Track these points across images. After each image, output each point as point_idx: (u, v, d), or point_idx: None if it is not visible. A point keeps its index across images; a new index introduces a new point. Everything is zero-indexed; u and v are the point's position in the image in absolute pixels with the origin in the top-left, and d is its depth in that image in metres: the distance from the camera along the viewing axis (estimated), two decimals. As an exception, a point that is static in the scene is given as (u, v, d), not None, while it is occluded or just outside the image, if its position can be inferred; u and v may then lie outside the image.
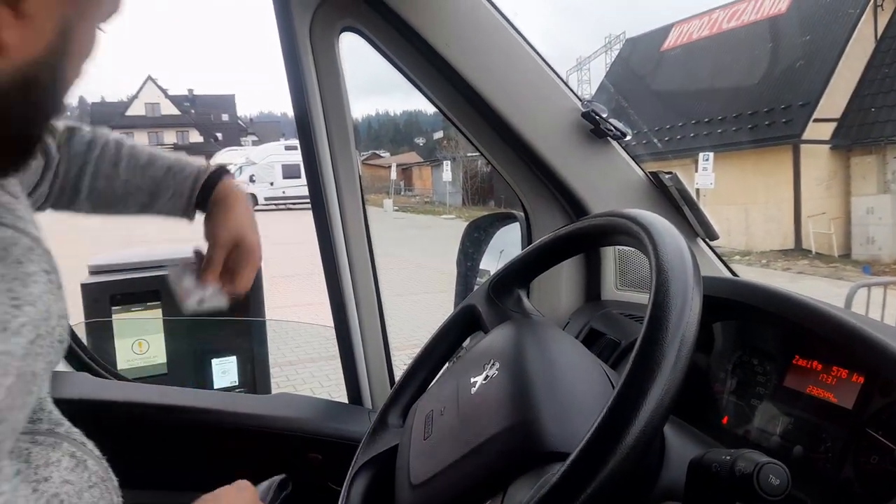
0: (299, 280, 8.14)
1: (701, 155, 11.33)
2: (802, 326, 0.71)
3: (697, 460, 0.55)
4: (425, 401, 0.75)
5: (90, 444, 0.64)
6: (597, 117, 1.09)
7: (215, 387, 2.42)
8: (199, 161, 0.93)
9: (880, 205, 12.18)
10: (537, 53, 1.10)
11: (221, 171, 0.91)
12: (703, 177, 11.10)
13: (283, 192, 24.47)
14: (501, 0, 1.08)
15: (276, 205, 24.56)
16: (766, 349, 0.79)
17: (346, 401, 1.30)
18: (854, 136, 12.65)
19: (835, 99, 12.83)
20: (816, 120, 12.68)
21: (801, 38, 13.70)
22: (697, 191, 10.74)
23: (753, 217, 12.91)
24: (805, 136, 12.66)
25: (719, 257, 1.16)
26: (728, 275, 1.12)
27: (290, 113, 1.22)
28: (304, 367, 5.18)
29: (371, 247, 1.25)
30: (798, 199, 12.74)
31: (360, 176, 1.23)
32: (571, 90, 1.13)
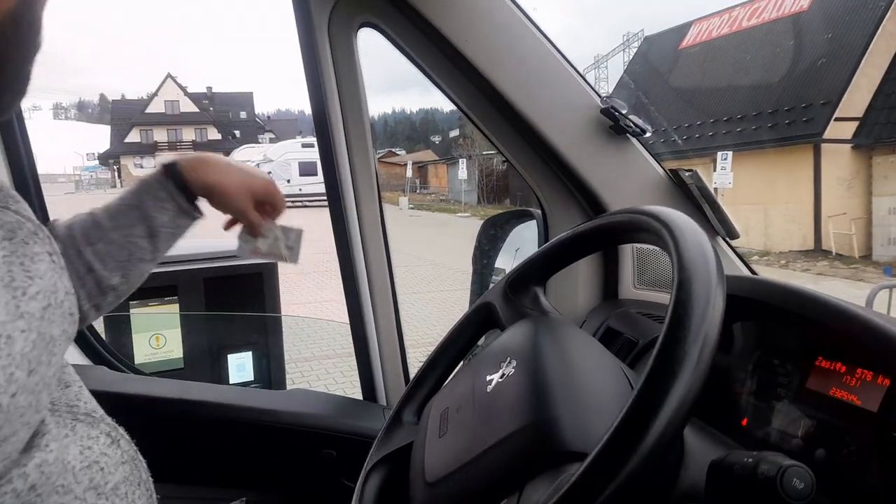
0: (315, 277, 8.18)
1: (719, 154, 11.22)
2: (826, 326, 0.70)
3: (718, 462, 0.54)
4: (441, 398, 0.75)
5: (121, 429, 0.69)
6: (616, 114, 1.08)
7: (231, 382, 2.43)
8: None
9: (903, 205, 11.98)
10: (556, 49, 1.09)
11: (174, 161, 0.91)
12: (722, 176, 10.99)
13: (300, 190, 24.61)
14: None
15: (292, 202, 24.55)
16: (787, 349, 0.78)
17: (360, 398, 1.30)
18: (877, 134, 12.44)
19: (857, 97, 12.62)
20: (838, 119, 12.49)
21: (824, 35, 13.50)
22: (715, 190, 10.62)
23: (773, 217, 12.75)
24: (826, 135, 12.47)
25: (739, 256, 1.14)
26: (748, 274, 1.10)
27: (308, 111, 1.22)
28: (319, 363, 5.20)
29: (387, 244, 1.25)
30: (818, 200, 12.56)
31: (376, 173, 1.23)
32: (591, 86, 1.11)
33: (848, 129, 12.64)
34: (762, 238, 12.56)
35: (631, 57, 19.93)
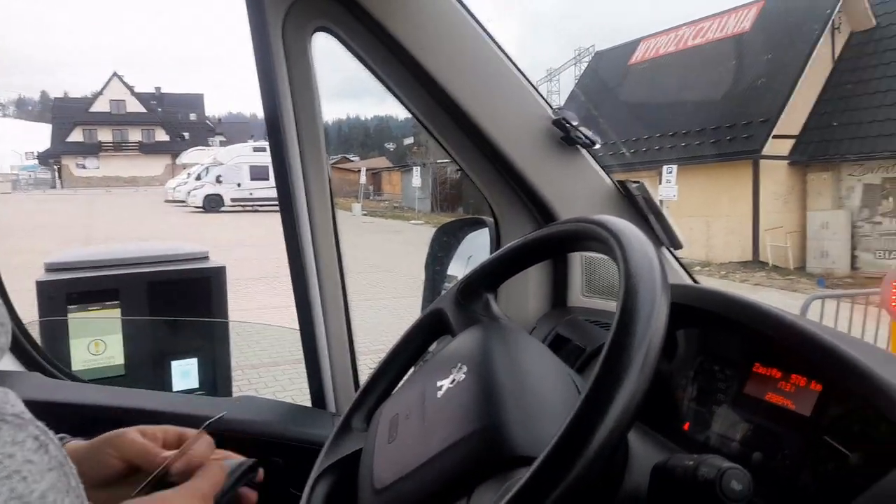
0: (266, 283, 8.03)
1: (665, 167, 11.57)
2: (763, 334, 0.73)
3: (661, 465, 0.56)
4: (391, 404, 0.75)
5: (51, 432, 0.65)
6: (567, 125, 1.10)
7: (174, 389, 2.36)
8: None
9: (834, 220, 12.60)
10: (511, 60, 1.11)
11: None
12: (667, 188, 11.33)
13: (251, 194, 24.25)
14: (476, 7, 1.08)
15: (242, 206, 24.30)
16: (727, 356, 0.80)
17: (309, 405, 1.29)
18: (811, 152, 13.07)
19: (794, 116, 13.23)
20: (776, 136, 13.06)
21: (763, 56, 14.11)
22: (661, 202, 10.95)
23: (714, 229, 13.21)
24: (764, 151, 13.02)
25: (682, 266, 1.18)
26: (691, 283, 1.14)
27: (260, 114, 1.20)
28: (267, 370, 5.10)
29: (339, 250, 1.24)
30: (757, 213, 13.08)
31: (329, 179, 1.22)
32: (543, 98, 1.14)
33: (785, 147, 13.23)
34: (704, 249, 12.99)
35: (582, 71, 20.38)
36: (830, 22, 13.44)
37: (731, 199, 13.38)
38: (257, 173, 23.99)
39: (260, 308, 6.68)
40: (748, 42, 14.64)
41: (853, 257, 12.45)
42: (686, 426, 0.81)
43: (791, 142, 13.25)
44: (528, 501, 0.46)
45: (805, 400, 0.68)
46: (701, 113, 14.21)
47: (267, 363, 5.23)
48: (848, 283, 10.92)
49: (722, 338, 0.82)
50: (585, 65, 20.62)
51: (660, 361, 0.90)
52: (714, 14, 16.09)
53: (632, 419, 0.48)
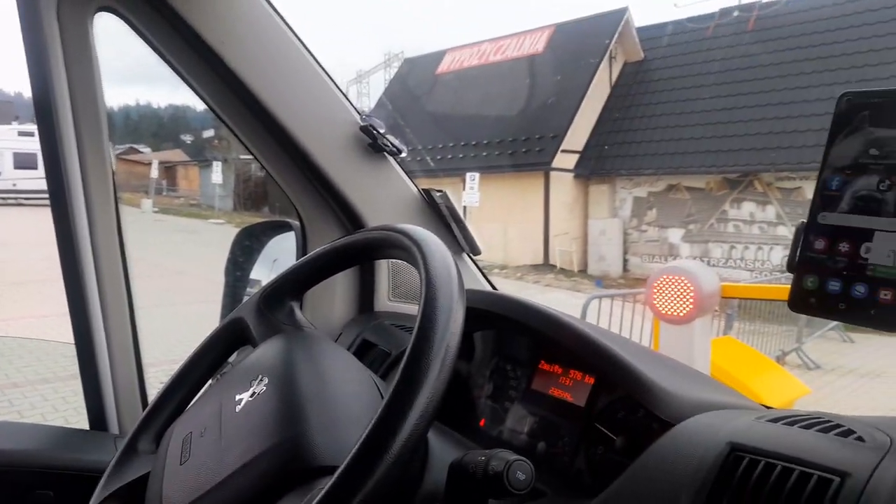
0: (32, 288, 7.03)
1: (468, 175, 12.21)
2: (547, 335, 0.80)
3: (457, 463, 0.59)
4: (184, 422, 0.69)
5: None
6: (375, 132, 1.11)
7: None
8: None
9: (610, 227, 14.29)
10: (318, 63, 1.09)
11: None
12: (470, 195, 11.97)
13: (14, 185, 21.00)
14: (282, 3, 1.05)
15: (4, 199, 20.97)
16: (517, 356, 0.87)
17: (87, 427, 1.15)
18: (592, 167, 14.68)
19: (578, 134, 14.76)
20: (564, 151, 14.46)
21: (554, 77, 15.54)
22: (465, 208, 11.56)
23: (511, 234, 14.24)
24: (554, 164, 14.35)
25: (481, 271, 1.26)
26: (488, 288, 1.22)
27: (27, 93, 1.05)
28: (33, 389, 4.45)
29: (124, 251, 1.13)
30: (547, 220, 14.39)
31: (113, 172, 1.10)
32: (351, 103, 1.14)
33: (571, 161, 14.70)
34: (502, 253, 13.96)
35: (392, 75, 20.77)
36: (608, 52, 15.21)
37: (525, 207, 14.55)
38: (23, 161, 20.84)
39: (31, 318, 5.84)
40: (541, 63, 16.02)
41: (625, 261, 14.22)
42: (482, 423, 0.87)
43: (576, 156, 14.77)
44: None
45: (581, 392, 0.77)
46: (500, 126, 15.25)
47: (34, 380, 4.56)
48: (621, 283, 12.44)
49: (514, 339, 0.89)
50: (395, 69, 21.03)
51: (458, 363, 0.96)
52: (513, 34, 17.36)
53: (430, 421, 0.50)
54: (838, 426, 0.56)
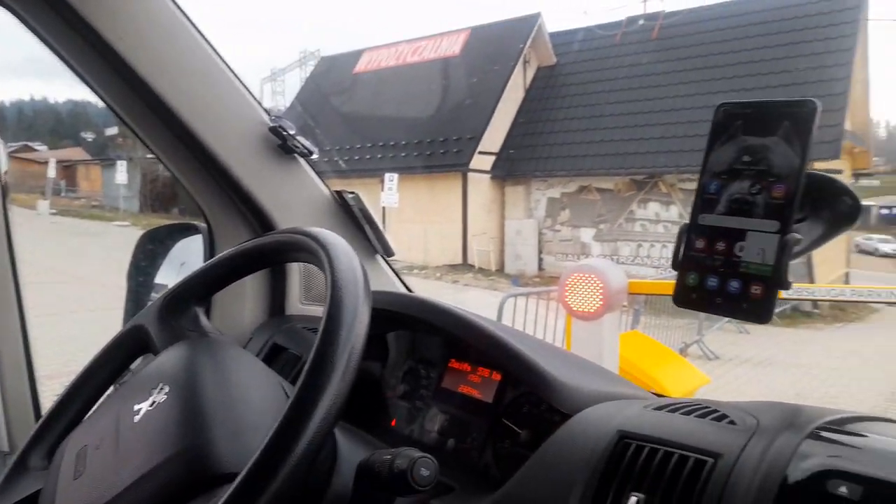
0: None
1: (387, 175, 12.18)
2: (456, 335, 0.82)
3: (364, 462, 0.59)
4: (78, 435, 0.66)
5: None
6: (284, 133, 1.10)
7: None
8: None
9: (526, 228, 14.65)
10: (224, 61, 1.07)
11: None
12: (389, 196, 11.94)
13: None
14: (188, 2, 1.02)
15: None
16: (429, 356, 0.89)
17: (-29, 445, 1.07)
18: (507, 168, 14.99)
19: (495, 136, 15.03)
20: (481, 152, 14.69)
21: (470, 79, 15.75)
22: (384, 209, 11.52)
23: (430, 235, 14.33)
24: (472, 165, 14.56)
25: (396, 273, 1.26)
26: (402, 289, 1.23)
27: None
28: (-89, 407, 4.06)
29: (13, 255, 1.06)
30: (465, 220, 14.58)
31: (4, 171, 1.04)
32: (259, 104, 1.12)
33: (488, 162, 14.96)
34: (422, 253, 14.02)
35: (308, 74, 20.39)
36: (522, 56, 15.57)
37: (444, 207, 14.68)
38: None
39: None
40: (458, 65, 16.20)
41: (540, 259, 14.62)
42: (393, 422, 0.88)
43: (493, 158, 15.04)
44: None
45: (488, 389, 0.79)
46: (417, 127, 15.30)
47: (-88, 397, 4.17)
48: (536, 282, 12.77)
49: (426, 340, 0.91)
50: (311, 67, 20.65)
51: (372, 364, 0.96)
52: (430, 36, 17.46)
53: (333, 422, 0.50)
54: (714, 411, 0.61)
